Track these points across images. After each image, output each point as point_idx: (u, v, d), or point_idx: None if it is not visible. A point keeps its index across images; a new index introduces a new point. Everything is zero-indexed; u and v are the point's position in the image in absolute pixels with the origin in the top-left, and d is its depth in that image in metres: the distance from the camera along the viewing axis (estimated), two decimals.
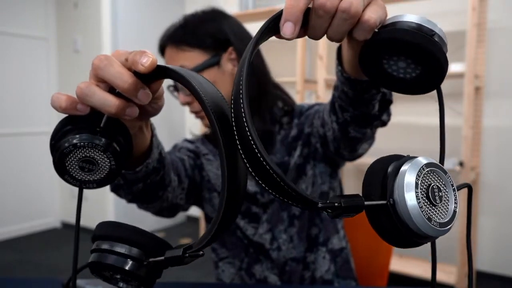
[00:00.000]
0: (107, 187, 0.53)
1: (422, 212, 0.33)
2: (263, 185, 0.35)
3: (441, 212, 0.34)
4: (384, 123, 0.70)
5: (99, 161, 0.39)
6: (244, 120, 0.33)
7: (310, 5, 0.38)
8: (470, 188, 0.41)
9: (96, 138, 0.39)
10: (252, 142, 0.33)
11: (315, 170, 0.89)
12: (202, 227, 3.35)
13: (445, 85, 0.40)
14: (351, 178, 2.94)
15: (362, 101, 0.61)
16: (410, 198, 0.33)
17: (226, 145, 0.36)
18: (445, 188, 0.35)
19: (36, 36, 3.54)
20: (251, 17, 3.07)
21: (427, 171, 0.34)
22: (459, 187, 0.39)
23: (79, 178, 0.40)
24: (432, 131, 2.71)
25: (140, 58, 0.38)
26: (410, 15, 0.39)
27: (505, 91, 2.51)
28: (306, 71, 2.86)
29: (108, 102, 0.39)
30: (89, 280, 0.66)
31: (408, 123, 2.71)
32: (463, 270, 2.27)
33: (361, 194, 0.36)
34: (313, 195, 0.87)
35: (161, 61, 0.99)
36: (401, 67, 0.40)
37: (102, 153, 0.39)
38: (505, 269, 2.55)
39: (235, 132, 0.34)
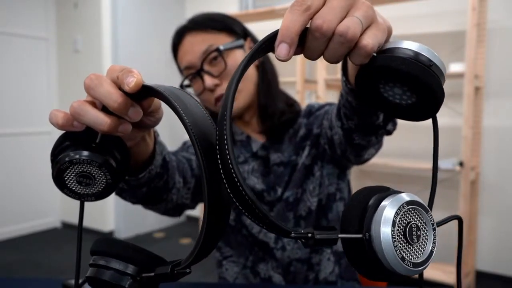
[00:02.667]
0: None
1: (396, 251, 0.32)
2: (240, 207, 0.35)
3: (417, 252, 0.34)
4: (389, 133, 0.69)
5: (95, 176, 0.41)
6: (226, 143, 0.33)
7: (308, 25, 0.37)
8: (460, 221, 0.41)
9: (91, 155, 0.40)
10: (231, 167, 0.33)
11: (323, 171, 0.89)
12: None
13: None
14: (354, 180, 2.94)
15: (366, 111, 0.61)
16: (386, 235, 0.32)
17: (209, 168, 0.36)
18: (425, 227, 0.34)
19: (36, 36, 3.54)
20: (251, 17, 3.07)
21: (408, 208, 0.33)
22: (448, 219, 0.39)
23: (78, 191, 0.42)
24: (431, 131, 2.70)
25: (126, 78, 0.39)
26: (409, 43, 0.38)
27: (505, 91, 2.51)
28: (306, 71, 2.86)
29: (100, 120, 0.40)
30: None
31: (408, 123, 2.72)
32: (463, 270, 2.27)
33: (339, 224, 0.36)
34: (320, 195, 0.88)
35: (172, 65, 0.98)
36: (397, 93, 0.39)
37: (97, 169, 0.41)
38: (505, 269, 2.55)
39: (218, 155, 0.34)
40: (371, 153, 0.77)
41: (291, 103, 0.94)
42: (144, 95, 0.41)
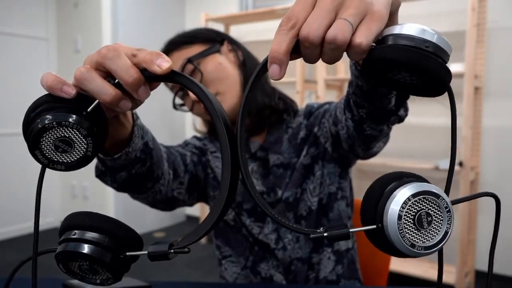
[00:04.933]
0: (110, 190, 0.53)
1: (404, 241, 0.35)
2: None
3: (429, 235, 0.36)
4: (401, 119, 0.67)
5: (76, 144, 0.39)
6: (241, 156, 0.40)
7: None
8: (497, 200, 0.43)
9: (82, 121, 0.38)
10: (244, 170, 0.40)
11: (324, 171, 0.89)
12: None
13: None
14: (352, 180, 2.94)
15: (377, 95, 0.59)
16: (393, 228, 0.35)
17: (231, 145, 0.39)
18: (437, 211, 0.36)
19: (36, 36, 3.54)
20: (251, 17, 3.07)
21: (415, 200, 0.36)
22: (478, 195, 0.41)
23: (49, 156, 0.39)
24: (430, 131, 2.71)
25: (157, 59, 0.39)
26: (404, 27, 0.37)
27: (505, 91, 2.51)
28: (306, 71, 2.86)
29: (105, 90, 0.39)
30: None
31: (408, 123, 2.72)
32: (463, 270, 2.27)
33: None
34: (321, 195, 0.88)
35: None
36: (405, 76, 0.39)
37: (82, 137, 0.38)
38: (505, 269, 2.55)
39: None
40: (379, 146, 0.76)
41: (283, 99, 0.93)
42: (161, 79, 0.41)
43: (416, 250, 0.36)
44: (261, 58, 0.99)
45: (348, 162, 0.90)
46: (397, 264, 2.46)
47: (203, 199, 0.93)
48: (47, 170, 0.41)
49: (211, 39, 0.90)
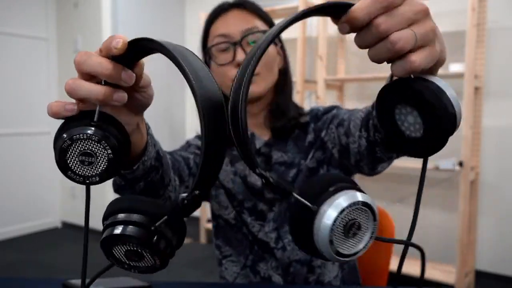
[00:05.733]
0: (110, 189, 0.53)
1: (330, 233, 0.35)
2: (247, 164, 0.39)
3: (346, 245, 0.37)
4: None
5: (97, 153, 0.41)
6: (241, 108, 0.37)
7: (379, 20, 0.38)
8: (422, 252, 0.45)
9: (90, 129, 0.40)
10: (242, 132, 0.37)
11: None
12: (202, 227, 3.35)
13: None
14: None
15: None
16: (329, 217, 0.35)
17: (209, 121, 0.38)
18: (365, 230, 0.37)
19: (36, 36, 3.54)
20: None
21: (360, 207, 0.36)
22: (405, 244, 0.43)
23: (81, 173, 0.41)
24: None
25: (112, 42, 0.41)
26: (447, 85, 0.39)
27: (505, 91, 2.51)
28: (306, 71, 2.86)
29: (95, 90, 0.41)
30: (89, 280, 0.66)
31: None
32: (463, 270, 2.27)
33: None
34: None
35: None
36: (408, 121, 0.41)
37: (98, 144, 0.40)
38: (505, 269, 2.55)
39: (230, 115, 0.38)
40: (384, 167, 0.77)
41: (301, 112, 0.94)
42: (134, 54, 0.42)
43: (330, 248, 0.36)
44: None
45: (351, 170, 0.90)
46: (397, 264, 2.45)
47: (206, 199, 0.93)
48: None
49: (270, 24, 0.91)
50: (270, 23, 0.90)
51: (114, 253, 0.39)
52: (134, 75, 0.43)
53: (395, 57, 0.38)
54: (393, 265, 2.80)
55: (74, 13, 3.52)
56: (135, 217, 0.38)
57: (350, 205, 0.35)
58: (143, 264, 0.40)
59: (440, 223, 2.65)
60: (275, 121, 0.90)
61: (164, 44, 0.39)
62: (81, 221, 3.61)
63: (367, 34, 0.38)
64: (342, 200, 0.36)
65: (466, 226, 2.27)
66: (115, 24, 3.34)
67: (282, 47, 0.93)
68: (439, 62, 0.41)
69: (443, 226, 2.65)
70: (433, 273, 2.39)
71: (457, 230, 2.27)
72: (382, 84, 0.44)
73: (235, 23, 0.86)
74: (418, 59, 0.38)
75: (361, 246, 0.38)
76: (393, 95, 0.41)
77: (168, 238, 0.39)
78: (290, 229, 0.39)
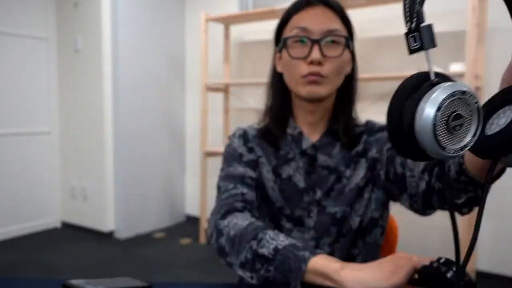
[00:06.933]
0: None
1: (436, 142, 0.35)
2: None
3: (454, 139, 0.37)
4: (461, 213, 0.73)
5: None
6: None
7: None
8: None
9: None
10: None
11: (372, 195, 0.89)
12: (202, 227, 3.34)
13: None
14: None
15: (455, 188, 0.66)
16: (428, 128, 0.35)
17: None
18: (469, 116, 0.37)
19: (36, 36, 3.54)
20: (251, 17, 3.07)
21: (453, 99, 0.36)
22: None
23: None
24: None
25: None
26: None
27: None
28: None
29: None
30: (89, 280, 0.66)
31: None
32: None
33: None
34: (363, 217, 0.88)
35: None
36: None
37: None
38: (505, 269, 2.55)
39: None
40: (431, 213, 0.79)
41: (356, 122, 0.94)
42: None
43: (445, 153, 0.35)
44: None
45: (394, 197, 0.90)
46: None
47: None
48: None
49: (350, 29, 0.89)
50: (349, 28, 0.89)
51: None
52: None
53: None
54: None
55: (74, 13, 3.52)
56: None
57: (448, 96, 0.35)
58: None
59: (440, 223, 2.65)
60: (330, 124, 0.90)
61: None
62: (81, 221, 3.61)
63: None
64: (438, 94, 0.36)
65: (466, 226, 2.27)
66: (115, 24, 3.34)
67: (353, 54, 0.91)
68: None
69: (443, 226, 2.65)
70: None
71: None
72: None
73: (318, 20, 0.84)
74: None
75: (468, 138, 0.37)
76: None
77: None
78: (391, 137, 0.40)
